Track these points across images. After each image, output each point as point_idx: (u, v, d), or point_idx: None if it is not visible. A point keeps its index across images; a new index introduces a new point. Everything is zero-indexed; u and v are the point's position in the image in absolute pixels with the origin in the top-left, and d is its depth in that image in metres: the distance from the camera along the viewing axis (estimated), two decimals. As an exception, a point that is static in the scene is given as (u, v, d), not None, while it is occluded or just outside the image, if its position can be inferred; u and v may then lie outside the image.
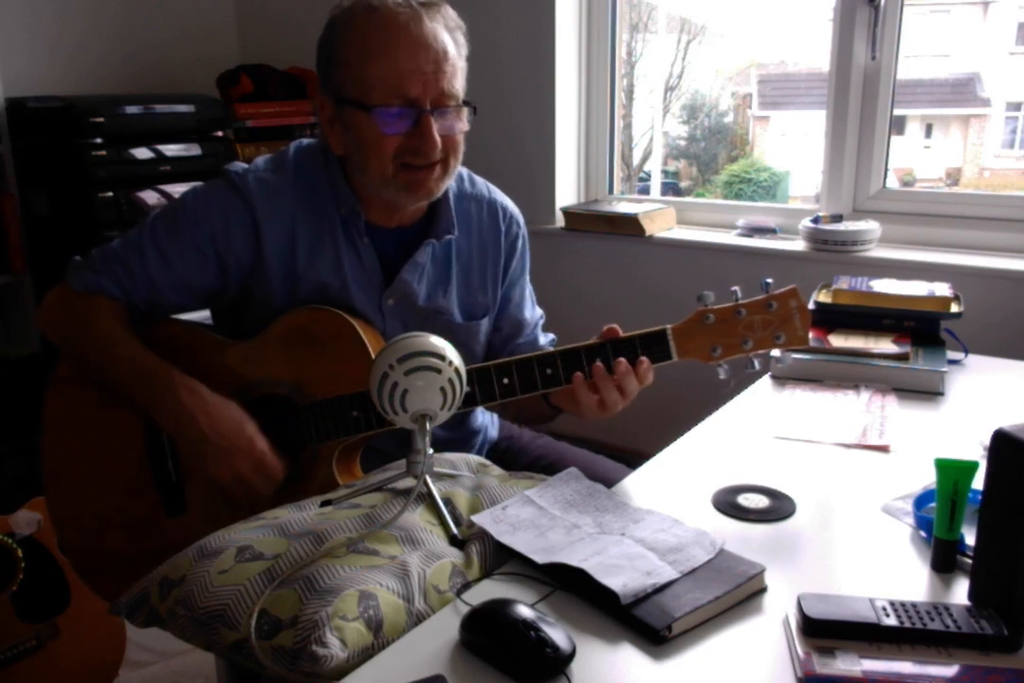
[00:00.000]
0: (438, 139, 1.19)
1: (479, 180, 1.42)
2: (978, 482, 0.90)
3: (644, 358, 1.16)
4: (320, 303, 1.28)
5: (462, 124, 1.22)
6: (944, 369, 1.49)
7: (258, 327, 1.28)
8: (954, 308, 1.63)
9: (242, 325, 1.32)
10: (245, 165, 1.30)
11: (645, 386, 1.19)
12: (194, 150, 2.73)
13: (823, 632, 0.83)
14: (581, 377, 1.17)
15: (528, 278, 1.48)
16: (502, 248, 1.41)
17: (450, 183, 1.29)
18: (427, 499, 1.07)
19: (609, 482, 1.19)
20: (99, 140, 2.52)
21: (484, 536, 1.01)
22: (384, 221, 1.31)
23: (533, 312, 1.50)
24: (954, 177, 3.19)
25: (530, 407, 1.33)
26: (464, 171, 1.39)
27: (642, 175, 3.36)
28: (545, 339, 1.51)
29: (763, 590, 0.93)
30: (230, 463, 1.18)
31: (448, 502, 1.07)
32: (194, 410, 1.19)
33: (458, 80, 1.21)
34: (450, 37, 1.20)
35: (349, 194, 1.28)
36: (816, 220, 2.44)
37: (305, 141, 1.35)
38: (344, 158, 1.27)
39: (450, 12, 1.23)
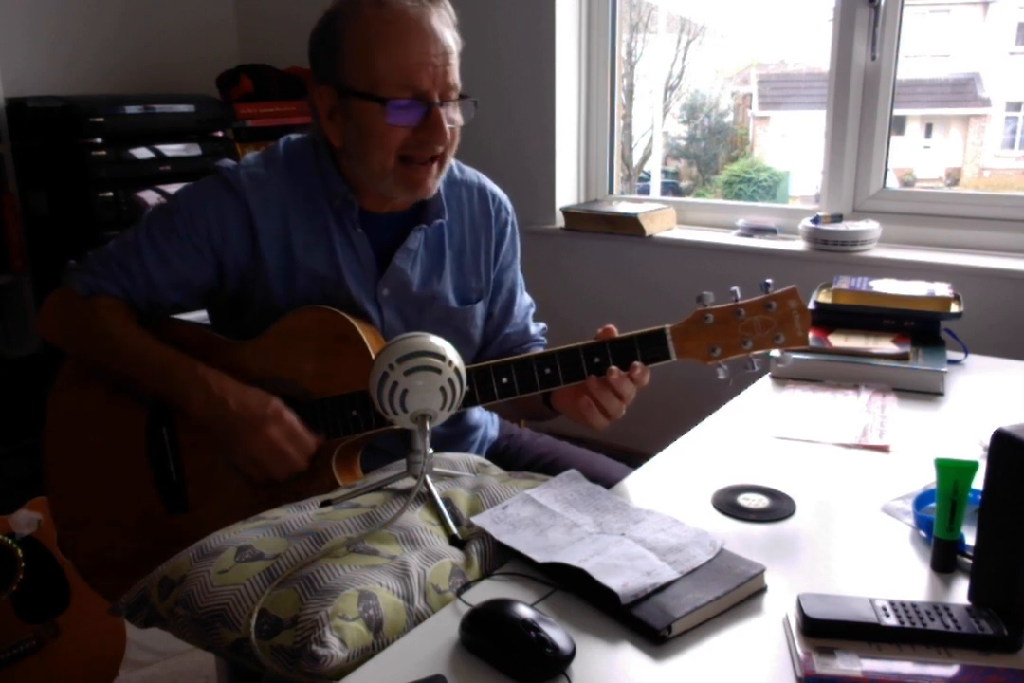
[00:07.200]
0: (447, 136, 1.22)
1: (468, 168, 1.44)
2: (978, 482, 0.90)
3: (637, 363, 1.17)
4: (317, 296, 1.29)
5: (463, 116, 1.25)
6: (944, 369, 1.49)
7: (258, 326, 1.28)
8: (954, 308, 1.62)
9: (241, 324, 1.32)
10: (235, 162, 1.31)
11: (641, 387, 1.19)
12: (194, 150, 2.73)
13: (823, 632, 0.82)
14: (588, 401, 1.18)
15: (519, 266, 1.50)
16: (493, 232, 1.43)
17: (443, 177, 1.31)
18: (427, 499, 1.07)
19: (609, 481, 1.19)
20: (99, 140, 2.52)
21: (484, 536, 1.01)
22: (378, 207, 1.32)
23: (523, 299, 1.51)
24: (954, 177, 3.19)
25: (529, 407, 1.33)
26: (453, 160, 1.41)
27: (642, 175, 3.35)
28: (536, 328, 1.53)
29: (763, 590, 0.93)
30: (262, 432, 1.18)
31: (448, 502, 1.07)
32: (223, 394, 1.20)
33: (458, 73, 1.24)
34: (449, 32, 1.23)
35: (341, 184, 1.29)
36: (816, 220, 2.44)
37: (294, 136, 1.36)
38: (340, 149, 1.28)
39: (449, 7, 1.25)
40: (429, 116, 1.20)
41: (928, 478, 1.10)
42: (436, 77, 1.19)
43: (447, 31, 1.21)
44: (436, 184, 1.28)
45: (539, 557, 0.95)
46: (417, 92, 1.19)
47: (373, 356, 1.18)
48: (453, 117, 1.24)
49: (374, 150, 1.22)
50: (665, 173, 3.34)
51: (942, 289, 1.68)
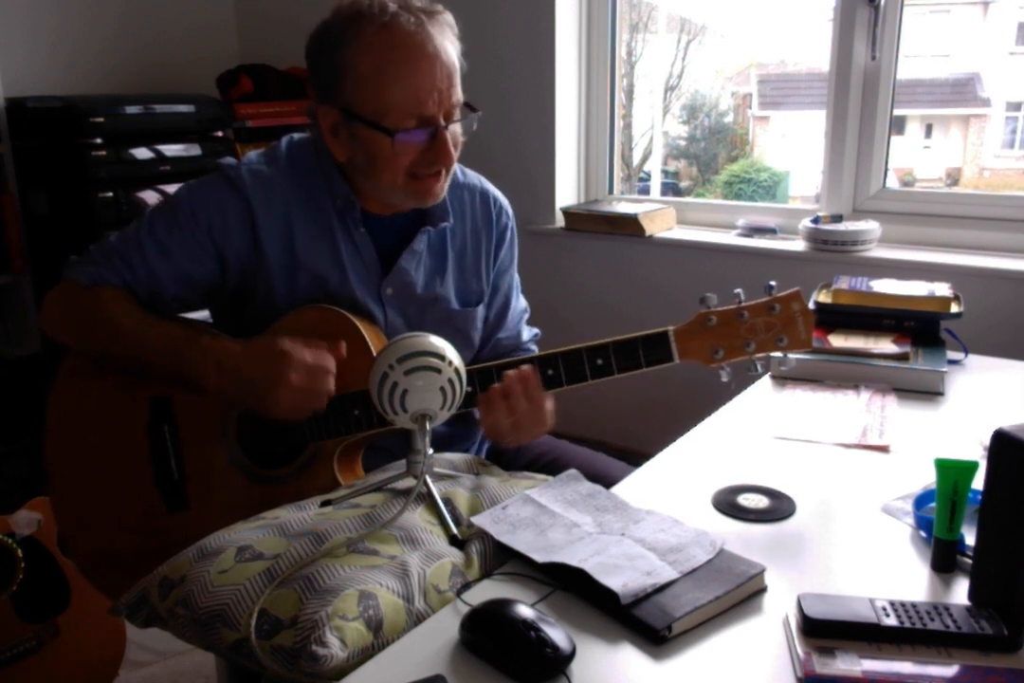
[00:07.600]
0: (453, 152, 1.23)
1: (470, 171, 1.45)
2: (978, 482, 0.90)
3: (510, 373, 1.16)
4: (320, 295, 1.29)
5: (467, 128, 1.26)
6: (944, 369, 1.49)
7: (259, 325, 1.28)
8: (954, 308, 1.62)
9: (243, 323, 1.32)
10: (237, 160, 1.31)
11: (532, 399, 1.17)
12: (194, 150, 2.73)
13: (823, 632, 0.83)
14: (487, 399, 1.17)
15: (516, 270, 1.50)
16: (493, 235, 1.43)
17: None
18: (427, 499, 1.07)
19: (610, 479, 1.19)
20: (99, 140, 2.52)
21: (484, 536, 1.01)
22: (381, 210, 1.32)
23: (517, 303, 1.52)
24: (954, 177, 3.19)
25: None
26: (456, 164, 1.41)
27: (642, 175, 3.36)
28: (528, 333, 1.53)
29: (763, 590, 0.93)
30: (284, 382, 1.15)
31: (448, 502, 1.07)
32: (232, 359, 1.18)
33: (460, 86, 1.23)
34: (452, 46, 1.22)
35: (343, 185, 1.29)
36: (816, 220, 2.44)
37: (297, 135, 1.36)
38: (345, 163, 1.27)
39: (449, 18, 1.23)
40: (436, 138, 1.21)
41: (928, 478, 1.10)
42: (442, 101, 1.19)
43: (450, 47, 1.20)
44: (444, 190, 1.29)
45: (539, 557, 0.95)
46: (423, 118, 1.19)
47: (374, 355, 1.18)
48: (456, 132, 1.24)
49: (383, 171, 1.23)
50: (665, 173, 3.35)
51: (942, 289, 1.68)
